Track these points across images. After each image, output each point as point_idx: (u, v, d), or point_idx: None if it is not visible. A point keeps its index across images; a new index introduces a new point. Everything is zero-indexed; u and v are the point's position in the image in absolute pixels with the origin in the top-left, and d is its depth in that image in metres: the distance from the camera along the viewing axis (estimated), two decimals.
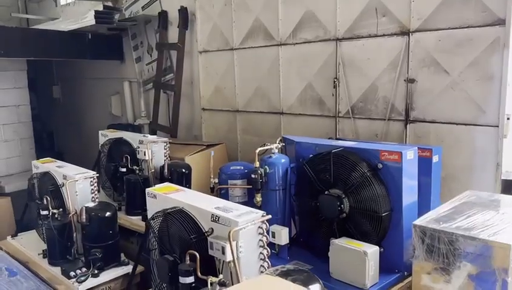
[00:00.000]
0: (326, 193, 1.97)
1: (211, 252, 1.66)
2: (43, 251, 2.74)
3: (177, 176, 2.93)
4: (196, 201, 1.89)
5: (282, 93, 3.35)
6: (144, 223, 2.93)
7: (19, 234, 3.12)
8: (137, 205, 3.02)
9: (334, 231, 1.98)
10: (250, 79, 3.59)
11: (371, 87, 2.81)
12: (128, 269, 2.56)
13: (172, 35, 4.28)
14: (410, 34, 2.62)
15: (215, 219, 1.70)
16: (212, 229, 1.72)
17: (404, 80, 2.67)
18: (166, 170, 2.93)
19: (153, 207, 2.06)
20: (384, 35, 2.72)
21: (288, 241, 2.05)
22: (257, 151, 2.14)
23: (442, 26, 2.49)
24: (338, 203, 1.91)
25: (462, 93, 2.47)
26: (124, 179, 3.08)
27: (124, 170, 3.17)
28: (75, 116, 6.32)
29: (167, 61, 4.46)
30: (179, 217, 1.81)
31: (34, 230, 3.06)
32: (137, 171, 3.09)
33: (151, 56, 4.72)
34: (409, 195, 1.90)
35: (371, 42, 2.78)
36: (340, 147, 2.00)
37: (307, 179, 2.09)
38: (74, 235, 2.65)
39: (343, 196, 1.93)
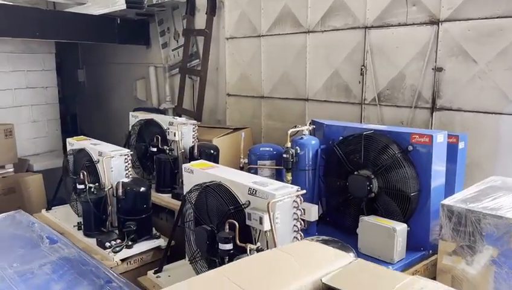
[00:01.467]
0: (355, 173, 2.05)
1: (248, 222, 1.77)
2: (78, 223, 2.88)
3: (205, 156, 3.03)
4: (233, 176, 1.99)
5: (308, 80, 3.43)
6: (174, 200, 3.08)
7: (52, 208, 3.28)
8: (167, 183, 3.14)
9: (362, 209, 2.07)
10: (276, 66, 3.67)
11: (398, 75, 2.87)
12: (159, 242, 2.69)
13: (200, 21, 4.37)
14: (440, 23, 2.67)
15: (252, 192, 1.80)
16: (249, 201, 1.82)
17: (432, 69, 2.72)
18: (196, 150, 3.04)
19: (190, 181, 2.17)
20: (413, 24, 2.77)
21: (317, 218, 2.14)
22: (289, 132, 2.23)
23: (472, 16, 2.54)
24: (367, 183, 1.99)
25: (489, 82, 2.53)
26: (155, 159, 3.20)
27: (154, 149, 3.30)
28: (99, 100, 6.47)
29: (193, 47, 4.56)
30: (217, 190, 1.91)
31: (67, 205, 3.22)
32: (167, 151, 3.21)
33: (177, 42, 4.81)
34: (437, 177, 1.97)
35: (400, 31, 2.84)
36: (370, 129, 2.08)
37: (336, 160, 2.17)
38: (109, 208, 2.78)
39: (373, 176, 2.01)
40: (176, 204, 2.93)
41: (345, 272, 1.14)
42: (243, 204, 1.82)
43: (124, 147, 3.63)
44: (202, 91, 4.30)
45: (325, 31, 3.24)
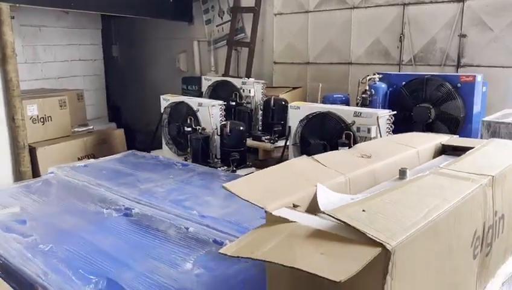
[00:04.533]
0: (418, 106, 2.91)
1: (357, 134, 2.60)
2: (184, 158, 3.65)
3: (279, 106, 3.83)
4: (333, 107, 2.81)
5: (351, 47, 4.25)
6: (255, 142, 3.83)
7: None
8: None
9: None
10: (322, 36, 4.47)
11: (430, 41, 3.74)
12: (253, 169, 3.49)
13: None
14: (464, 1, 3.53)
15: (358, 114, 2.63)
16: (354, 121, 2.65)
17: (458, 35, 3.60)
18: (272, 102, 3.84)
19: (296, 116, 2.97)
20: (443, 1, 3.63)
21: None
22: (368, 77, 3.07)
23: None
24: (427, 112, 2.85)
25: (502, 45, 3.42)
26: (237, 110, 3.93)
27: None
28: (133, 74, 7.11)
29: (239, 22, 5.30)
30: (327, 115, 2.73)
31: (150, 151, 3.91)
32: (245, 104, 3.99)
33: (221, 18, 5.54)
34: (477, 105, 2.85)
35: (432, 7, 3.69)
36: (429, 74, 2.94)
37: (401, 98, 3.02)
38: (214, 145, 3.56)
39: (431, 107, 2.87)
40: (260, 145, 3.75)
41: (455, 140, 1.96)
42: (349, 123, 2.65)
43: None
44: (251, 60, 5.07)
45: (368, 7, 4.07)
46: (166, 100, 3.93)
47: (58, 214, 2.25)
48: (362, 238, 0.94)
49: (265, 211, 1.16)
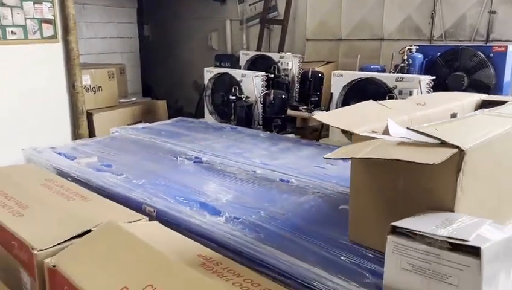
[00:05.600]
0: (452, 74, 3.17)
1: (399, 96, 2.86)
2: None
3: (316, 79, 4.11)
4: (376, 74, 3.08)
5: (383, 24, 4.49)
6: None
7: None
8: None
9: None
10: (354, 13, 4.71)
11: (461, 17, 3.97)
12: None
13: None
14: None
15: (400, 78, 2.90)
16: (396, 86, 2.91)
17: (488, 12, 3.82)
18: (309, 74, 4.11)
19: (338, 83, 3.24)
20: None
21: None
22: (406, 48, 3.32)
23: None
24: (462, 80, 3.11)
25: None
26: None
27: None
28: (165, 52, 7.39)
29: (272, 1, 5.55)
30: (370, 80, 3.00)
31: None
32: (282, 76, 4.26)
33: None
34: (507, 74, 3.09)
35: None
36: (462, 46, 3.19)
37: (436, 67, 3.28)
38: (257, 112, 3.85)
39: (465, 75, 3.13)
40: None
41: (494, 97, 2.22)
42: (392, 87, 2.91)
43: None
44: (283, 37, 5.33)
45: None
46: (210, 72, 4.22)
47: (136, 161, 2.56)
48: (441, 145, 1.22)
49: (352, 133, 1.45)
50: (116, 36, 6.24)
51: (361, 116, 1.64)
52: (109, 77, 4.53)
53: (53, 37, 3.60)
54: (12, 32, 3.31)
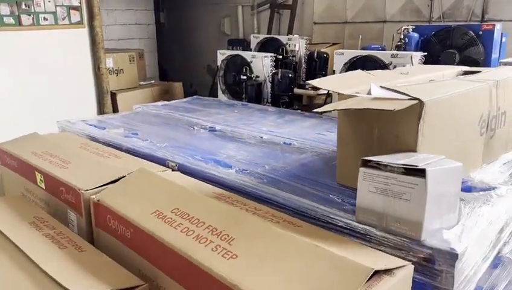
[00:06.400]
0: (445, 51, 3.43)
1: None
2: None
3: (321, 59, 4.40)
4: (374, 52, 3.36)
5: (386, 6, 4.74)
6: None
7: None
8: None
9: None
10: None
11: None
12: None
13: None
14: None
15: (394, 55, 3.18)
16: (391, 62, 3.20)
17: None
18: (315, 54, 4.40)
19: (340, 61, 3.54)
20: None
21: None
22: (402, 28, 3.59)
23: None
24: (453, 56, 3.37)
25: None
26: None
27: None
28: (179, 38, 7.73)
29: None
30: (368, 58, 3.29)
31: None
32: (290, 57, 4.56)
33: None
34: (495, 51, 3.35)
35: None
36: (454, 25, 3.45)
37: (430, 44, 3.54)
38: (266, 90, 4.17)
39: (456, 52, 3.39)
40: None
41: (475, 68, 2.50)
42: (389, 62, 3.20)
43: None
44: (292, 21, 5.61)
45: None
46: (223, 54, 4.54)
47: (158, 130, 2.91)
48: (406, 98, 1.53)
49: (339, 93, 1.76)
50: (135, 23, 6.57)
51: (349, 82, 1.95)
52: (130, 61, 4.88)
53: (80, 22, 3.96)
54: (44, 18, 3.68)
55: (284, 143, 2.51)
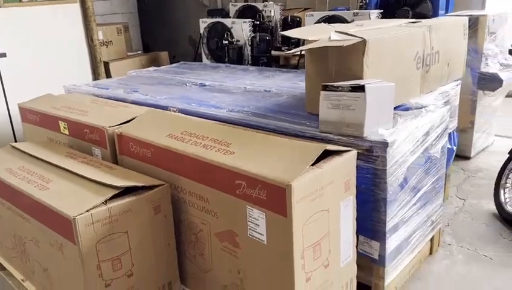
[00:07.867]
0: (400, 9, 3.93)
1: None
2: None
3: (294, 22, 4.85)
4: (338, 12, 3.84)
5: None
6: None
7: None
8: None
9: None
10: None
11: None
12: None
13: None
14: None
15: (356, 14, 3.65)
16: (353, 20, 3.67)
17: None
18: (289, 19, 4.85)
19: (310, 22, 4.00)
20: None
21: None
22: None
23: None
24: (407, 13, 3.87)
25: None
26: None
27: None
28: (160, 12, 8.02)
29: None
30: (334, 17, 3.76)
31: None
32: (266, 23, 4.99)
33: None
34: (442, 6, 3.85)
35: None
36: None
37: (388, 4, 4.03)
38: (246, 53, 4.62)
39: (409, 9, 3.89)
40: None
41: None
42: (351, 20, 3.68)
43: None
44: None
45: None
46: (205, 22, 4.95)
47: (155, 88, 3.35)
48: (355, 38, 2.03)
49: (306, 40, 2.24)
50: None
51: (314, 32, 2.44)
52: (117, 33, 5.25)
53: None
54: None
55: (265, 90, 3.00)
